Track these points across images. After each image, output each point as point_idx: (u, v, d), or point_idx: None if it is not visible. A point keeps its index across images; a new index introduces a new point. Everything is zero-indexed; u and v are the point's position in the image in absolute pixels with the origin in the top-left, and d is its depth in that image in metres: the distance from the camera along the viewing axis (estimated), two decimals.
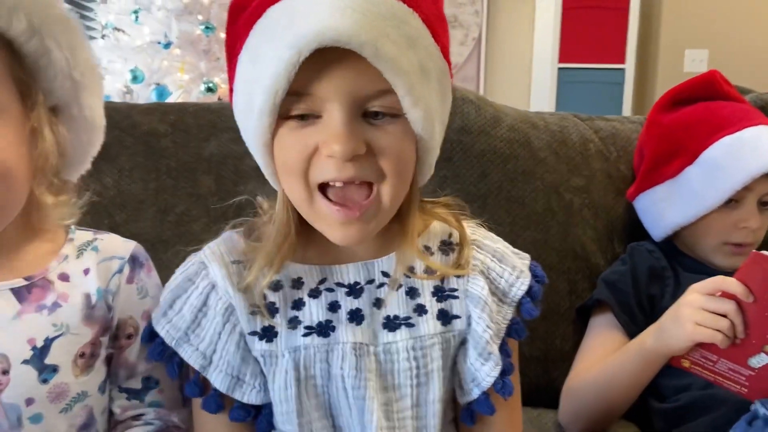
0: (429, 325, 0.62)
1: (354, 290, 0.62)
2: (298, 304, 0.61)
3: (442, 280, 0.63)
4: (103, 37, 2.50)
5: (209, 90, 2.34)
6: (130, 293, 0.66)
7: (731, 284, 0.75)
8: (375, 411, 0.59)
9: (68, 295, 0.62)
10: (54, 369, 0.60)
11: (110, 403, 0.67)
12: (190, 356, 0.60)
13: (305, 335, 0.60)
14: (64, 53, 0.60)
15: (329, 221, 0.56)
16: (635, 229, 1.08)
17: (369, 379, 0.60)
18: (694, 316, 0.77)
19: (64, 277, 0.63)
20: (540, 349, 1.03)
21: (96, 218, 1.01)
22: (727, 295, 0.75)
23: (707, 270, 0.98)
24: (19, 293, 0.60)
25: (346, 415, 0.61)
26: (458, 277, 0.63)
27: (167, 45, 2.38)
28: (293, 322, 0.60)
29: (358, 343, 0.60)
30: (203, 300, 0.61)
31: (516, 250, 0.69)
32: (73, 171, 0.66)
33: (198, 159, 1.06)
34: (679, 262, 1.01)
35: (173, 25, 2.36)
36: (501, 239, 0.69)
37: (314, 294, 0.61)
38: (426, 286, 0.63)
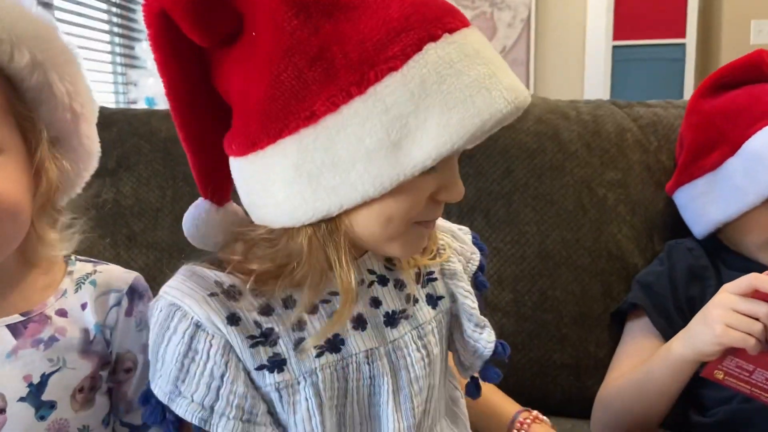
0: (423, 312, 0.62)
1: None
2: (300, 324, 0.57)
3: (419, 267, 0.63)
4: (146, 39, 2.54)
5: None
6: (129, 326, 0.64)
7: (766, 283, 0.68)
8: (390, 415, 0.57)
9: (66, 329, 0.61)
10: (51, 405, 0.58)
11: None
12: (186, 410, 0.53)
13: (318, 355, 0.55)
14: (66, 86, 0.58)
15: (413, 239, 0.56)
16: (678, 224, 1.00)
17: (383, 385, 0.57)
18: (724, 317, 0.70)
19: (62, 313, 0.62)
20: (572, 356, 0.97)
21: (114, 228, 1.02)
22: (761, 295, 0.69)
23: (754, 267, 0.89)
24: (14, 329, 0.59)
25: (358, 430, 0.58)
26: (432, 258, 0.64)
27: None
28: (300, 345, 0.56)
29: (369, 350, 0.57)
30: (187, 344, 0.53)
31: (458, 226, 0.70)
32: (64, 197, 0.65)
33: None
34: (723, 259, 0.93)
35: None
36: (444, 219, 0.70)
37: (311, 309, 0.57)
38: (408, 275, 0.62)
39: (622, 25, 3.24)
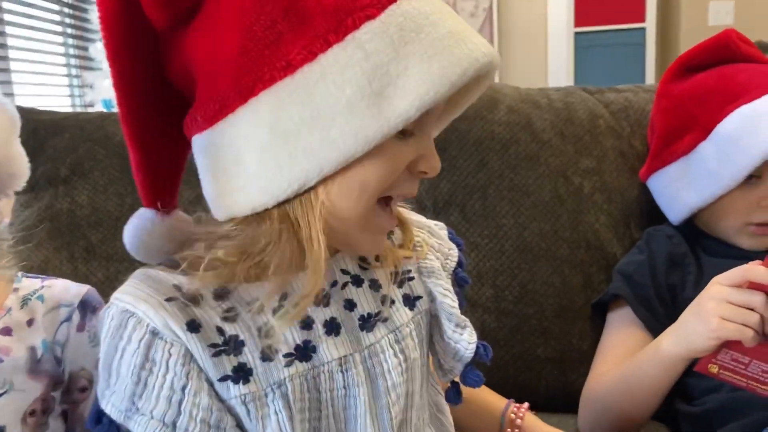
0: (400, 314, 0.58)
1: (321, 298, 0.55)
2: (267, 331, 0.52)
3: (395, 265, 0.60)
4: (100, 39, 2.45)
5: None
6: (81, 342, 0.61)
7: (760, 273, 0.66)
8: (368, 428, 0.54)
9: (10, 349, 0.57)
10: (1, 430, 0.54)
11: None
12: (145, 428, 0.48)
13: (287, 365, 0.51)
14: None
15: (378, 231, 0.53)
16: (654, 211, 0.98)
17: (359, 396, 0.53)
18: (719, 309, 0.68)
19: (6, 331, 0.58)
20: (556, 349, 0.95)
21: (71, 240, 0.96)
22: (755, 286, 0.67)
23: (733, 252, 0.88)
24: None
25: None
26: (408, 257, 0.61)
27: None
28: (267, 353, 0.51)
29: (343, 357, 0.54)
30: (143, 354, 0.48)
31: (434, 221, 0.68)
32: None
33: None
34: (701, 245, 0.92)
35: None
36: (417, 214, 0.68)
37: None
38: (383, 275, 0.59)
39: (583, 12, 3.27)
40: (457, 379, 0.64)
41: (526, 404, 0.77)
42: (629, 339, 0.88)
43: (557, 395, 0.95)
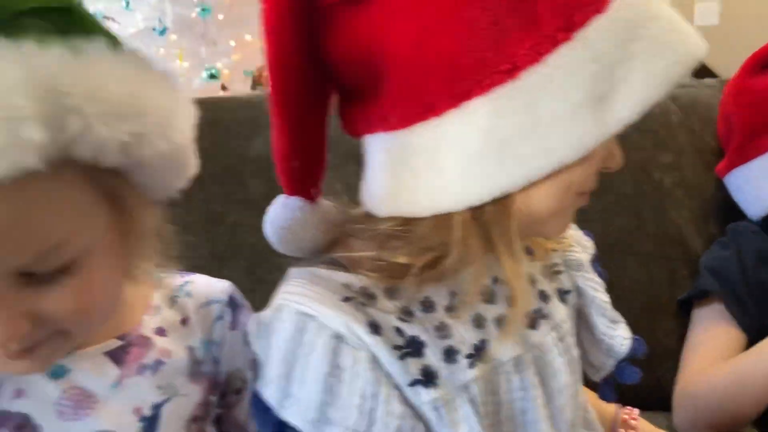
0: (558, 310, 0.55)
1: (487, 294, 0.52)
2: (444, 330, 0.49)
3: (545, 258, 0.57)
4: None
5: (212, 77, 2.21)
6: (236, 341, 0.55)
7: None
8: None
9: (170, 350, 0.52)
10: None
11: None
12: None
13: (471, 366, 0.48)
14: (161, 144, 0.42)
15: (569, 213, 0.51)
16: (729, 207, 0.98)
17: (536, 398, 0.51)
18: None
19: (161, 332, 0.52)
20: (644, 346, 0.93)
21: None
22: None
23: None
24: (116, 356, 0.50)
25: None
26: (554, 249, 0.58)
27: (162, 31, 2.24)
28: (450, 354, 0.48)
29: (517, 357, 0.51)
30: (330, 361, 0.45)
31: None
32: None
33: (243, 160, 0.94)
34: None
35: (167, 9, 2.21)
36: None
37: (460, 313, 0.50)
38: (537, 269, 0.56)
39: None
40: (609, 376, 0.62)
41: (636, 411, 0.76)
42: (721, 336, 0.87)
43: (645, 392, 0.93)
